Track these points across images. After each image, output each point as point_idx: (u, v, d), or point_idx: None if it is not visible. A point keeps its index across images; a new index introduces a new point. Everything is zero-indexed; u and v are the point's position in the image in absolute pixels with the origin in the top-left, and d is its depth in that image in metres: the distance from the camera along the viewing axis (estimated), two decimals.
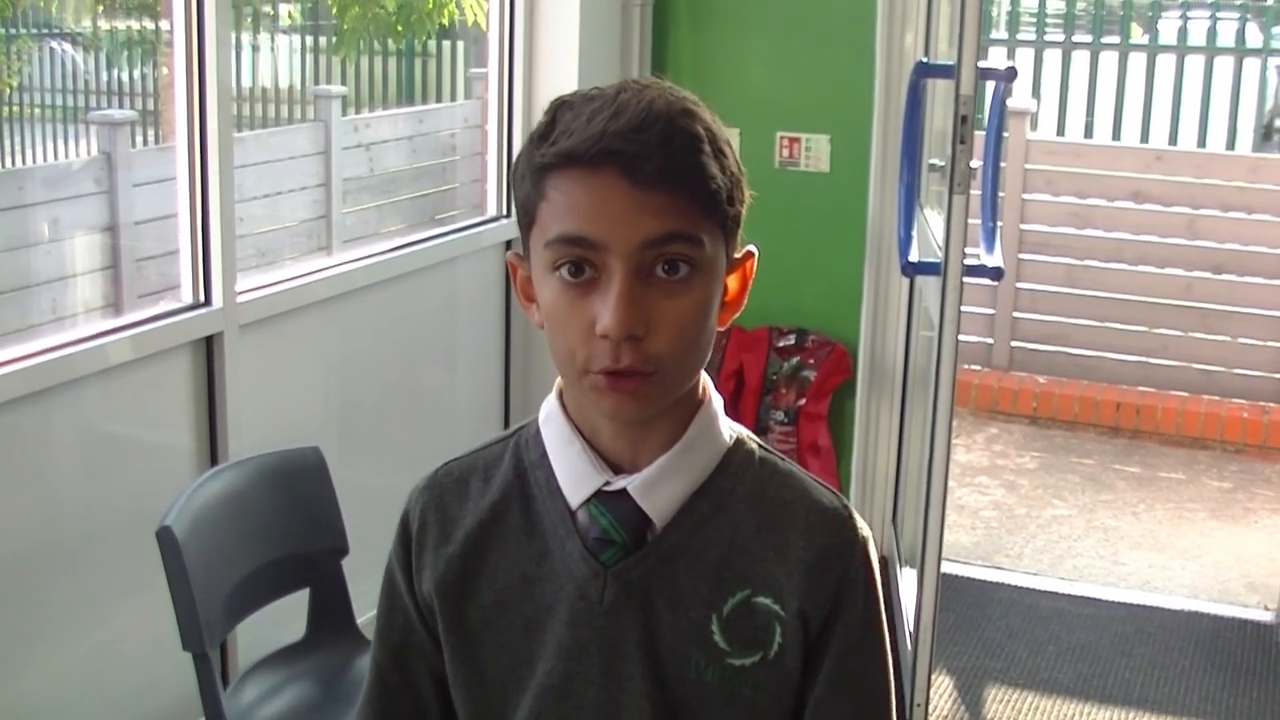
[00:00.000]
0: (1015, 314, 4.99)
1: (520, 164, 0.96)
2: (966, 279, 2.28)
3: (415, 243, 3.05)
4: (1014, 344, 5.01)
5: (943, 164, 2.55)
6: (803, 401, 3.52)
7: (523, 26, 3.24)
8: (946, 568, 2.90)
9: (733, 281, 0.98)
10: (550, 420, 1.01)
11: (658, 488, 0.97)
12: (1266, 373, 4.72)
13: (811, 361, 3.51)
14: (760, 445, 1.03)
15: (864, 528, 1.01)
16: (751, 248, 1.00)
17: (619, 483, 0.98)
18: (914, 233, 2.58)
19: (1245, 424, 4.59)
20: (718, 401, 1.01)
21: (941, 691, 2.95)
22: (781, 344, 3.53)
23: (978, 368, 4.96)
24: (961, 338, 2.34)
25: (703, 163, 0.91)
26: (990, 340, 5.00)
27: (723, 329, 0.99)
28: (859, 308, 3.36)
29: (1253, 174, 4.83)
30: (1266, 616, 3.33)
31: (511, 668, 1.01)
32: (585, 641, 0.98)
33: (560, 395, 1.02)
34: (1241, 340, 4.76)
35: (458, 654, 1.03)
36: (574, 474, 0.99)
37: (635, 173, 0.89)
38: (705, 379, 1.00)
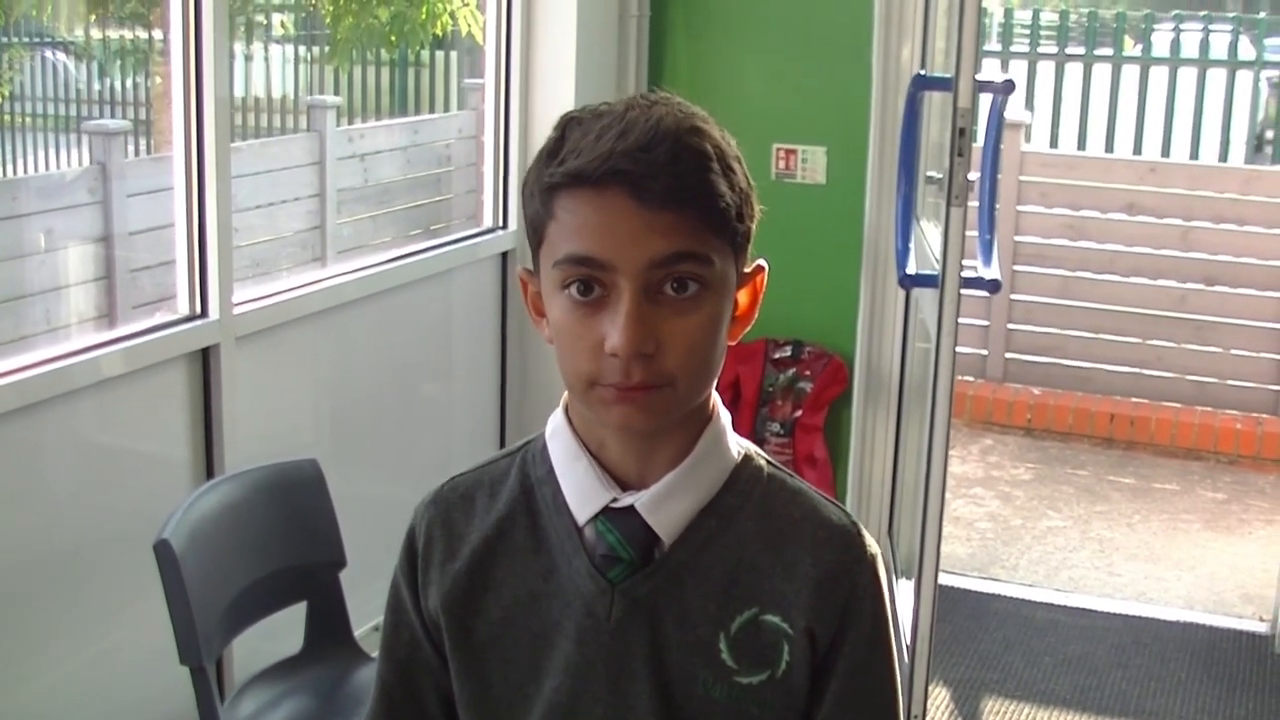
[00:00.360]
0: (1010, 325, 5.00)
1: (529, 182, 0.95)
2: (963, 291, 2.28)
3: (412, 254, 3.05)
4: (1008, 355, 5.02)
5: (940, 176, 2.56)
6: (799, 413, 3.52)
7: (519, 38, 3.24)
8: (942, 579, 2.89)
9: (743, 296, 0.98)
10: (557, 436, 1.01)
11: (665, 504, 0.97)
12: (1260, 384, 4.74)
13: (808, 373, 3.51)
14: (768, 461, 1.02)
15: (872, 545, 1.00)
16: (761, 262, 1.00)
17: (626, 499, 0.97)
18: (911, 245, 2.58)
19: (1239, 435, 4.60)
20: (726, 418, 1.01)
21: (938, 704, 2.94)
22: (778, 356, 3.53)
23: (972, 379, 4.96)
24: (957, 349, 2.34)
25: (711, 181, 0.91)
26: (985, 352, 5.01)
27: (733, 343, 0.99)
28: (855, 319, 3.36)
29: (1246, 186, 4.85)
30: (1261, 628, 3.33)
31: (518, 685, 1.00)
32: (592, 659, 0.98)
33: (567, 411, 1.01)
34: (1235, 352, 4.77)
35: (464, 671, 1.02)
36: (581, 490, 0.98)
37: (643, 192, 0.89)
38: (714, 395, 1.00)
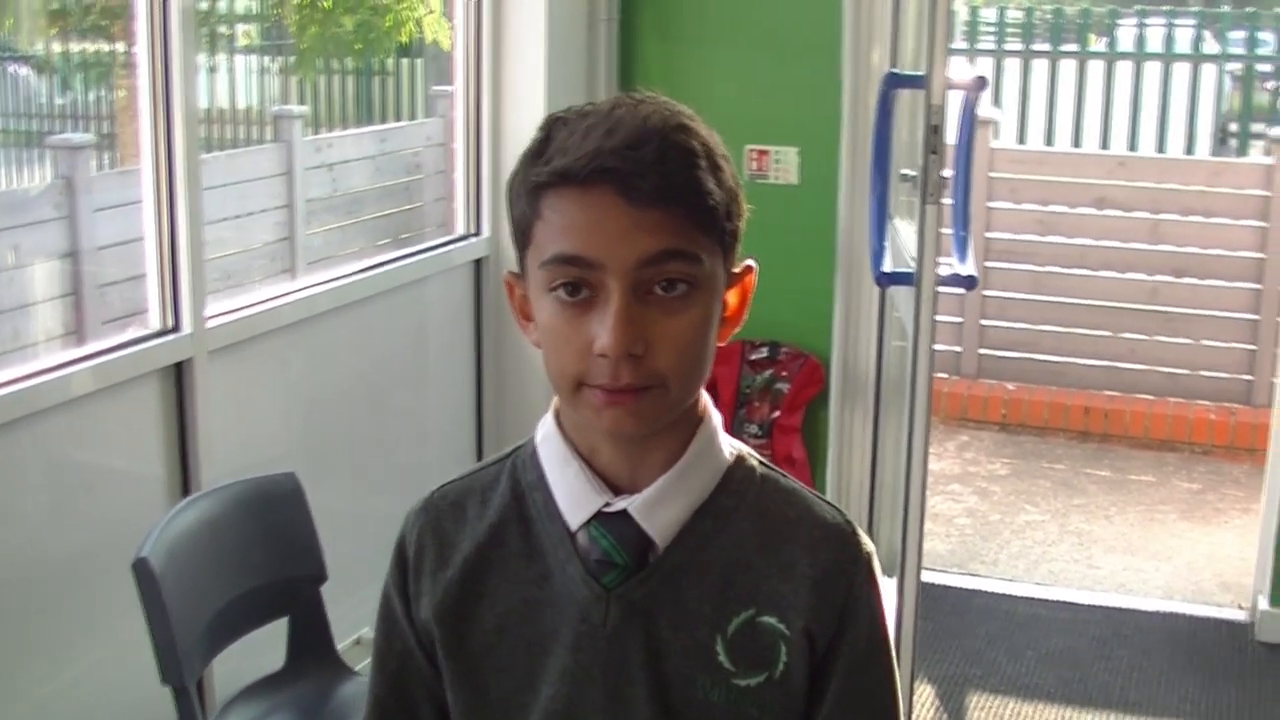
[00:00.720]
0: (983, 322, 5.02)
1: (515, 183, 0.94)
2: (939, 288, 2.28)
3: (385, 263, 3.03)
4: (982, 351, 5.04)
5: (913, 174, 2.56)
6: (776, 414, 3.52)
7: (489, 43, 3.22)
8: (924, 576, 2.89)
9: (732, 296, 0.97)
10: (547, 441, 1.00)
11: (659, 508, 0.96)
12: (1232, 374, 4.78)
13: (785, 374, 3.51)
14: (761, 462, 1.02)
15: (867, 543, 1.00)
16: (751, 261, 0.99)
17: (619, 503, 0.96)
18: (886, 243, 2.59)
19: (1212, 425, 4.64)
20: (717, 419, 1.00)
21: (923, 701, 2.94)
22: (754, 357, 3.53)
23: (946, 376, 4.98)
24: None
25: (699, 178, 0.90)
26: (959, 348, 5.03)
27: (723, 344, 0.98)
28: (831, 319, 3.36)
29: (1214, 178, 4.89)
30: (1241, 616, 3.35)
31: (514, 694, 0.99)
32: (588, 665, 0.97)
33: (557, 416, 1.00)
34: (1206, 342, 4.81)
35: (459, 680, 1.01)
36: (573, 495, 0.97)
37: (631, 190, 0.88)
38: (705, 397, 0.99)
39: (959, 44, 6.61)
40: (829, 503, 1.02)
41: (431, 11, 4.71)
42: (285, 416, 2.67)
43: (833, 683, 0.97)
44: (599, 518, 0.96)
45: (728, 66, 3.39)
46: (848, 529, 0.99)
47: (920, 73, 2.28)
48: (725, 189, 0.92)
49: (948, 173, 2.38)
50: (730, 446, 1.00)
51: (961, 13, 6.96)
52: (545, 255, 0.91)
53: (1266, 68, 6.85)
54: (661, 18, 3.41)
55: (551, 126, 0.93)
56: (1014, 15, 6.91)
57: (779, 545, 0.98)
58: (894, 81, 2.63)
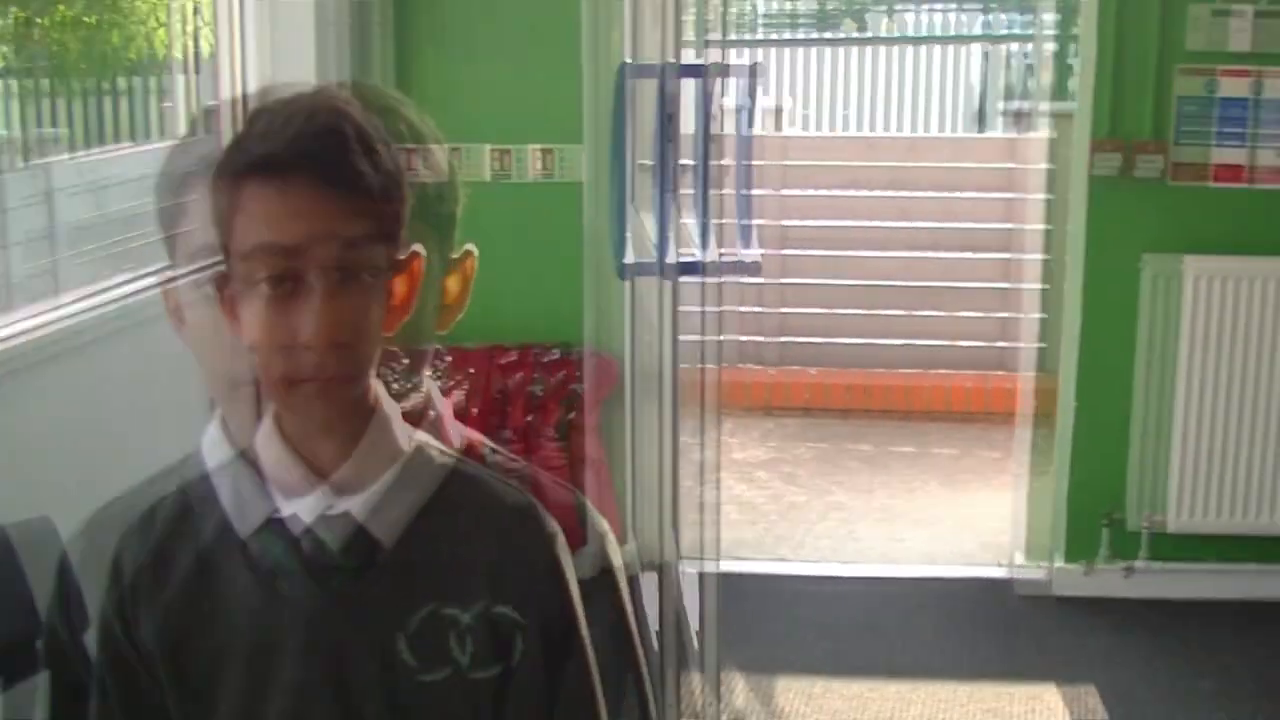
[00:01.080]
0: (742, 309, 5.02)
1: (212, 179, 0.95)
2: (727, 278, 2.30)
3: (110, 289, 2.85)
4: (780, 340, 5.09)
5: (692, 163, 2.55)
6: (573, 415, 3.50)
7: (268, 53, 3.11)
8: (730, 565, 2.92)
9: (400, 284, 0.96)
10: (214, 450, 0.99)
11: (342, 508, 0.94)
12: (988, 343, 4.90)
13: (579, 375, 3.49)
14: (493, 449, 1.03)
15: (551, 523, 0.99)
16: (470, 247, 1.01)
17: (290, 508, 0.94)
18: (629, 234, 2.59)
19: (971, 394, 4.75)
20: (390, 406, 0.98)
21: (733, 690, 2.95)
22: (546, 360, 3.51)
23: (753, 366, 5.01)
24: (732, 337, 2.35)
25: (352, 162, 0.91)
26: (760, 338, 5.07)
27: (444, 331, 1.00)
28: (620, 316, 3.34)
29: (959, 154, 5.14)
30: (1002, 572, 3.45)
31: (241, 712, 0.96)
32: (309, 674, 0.95)
33: (223, 423, 1.00)
34: (964, 314, 4.96)
35: (182, 704, 0.98)
36: (244, 503, 0.96)
37: (294, 179, 0.90)
38: (376, 386, 0.97)
39: (741, 35, 6.73)
40: (514, 486, 1.01)
41: (162, 24, 4.48)
42: (15, 469, 2.48)
43: (527, 665, 0.96)
44: (274, 524, 0.95)
45: (502, 69, 3.39)
46: (529, 512, 0.99)
47: (655, 62, 2.28)
48: (381, 172, 0.92)
49: (728, 162, 2.39)
50: (416, 438, 0.99)
51: (745, 6, 7.08)
52: (237, 249, 0.91)
53: (1030, 47, 7.18)
54: (435, 23, 3.37)
55: (248, 118, 0.94)
56: (785, 6, 7.08)
57: (462, 536, 0.97)
58: (631, 72, 2.63)
